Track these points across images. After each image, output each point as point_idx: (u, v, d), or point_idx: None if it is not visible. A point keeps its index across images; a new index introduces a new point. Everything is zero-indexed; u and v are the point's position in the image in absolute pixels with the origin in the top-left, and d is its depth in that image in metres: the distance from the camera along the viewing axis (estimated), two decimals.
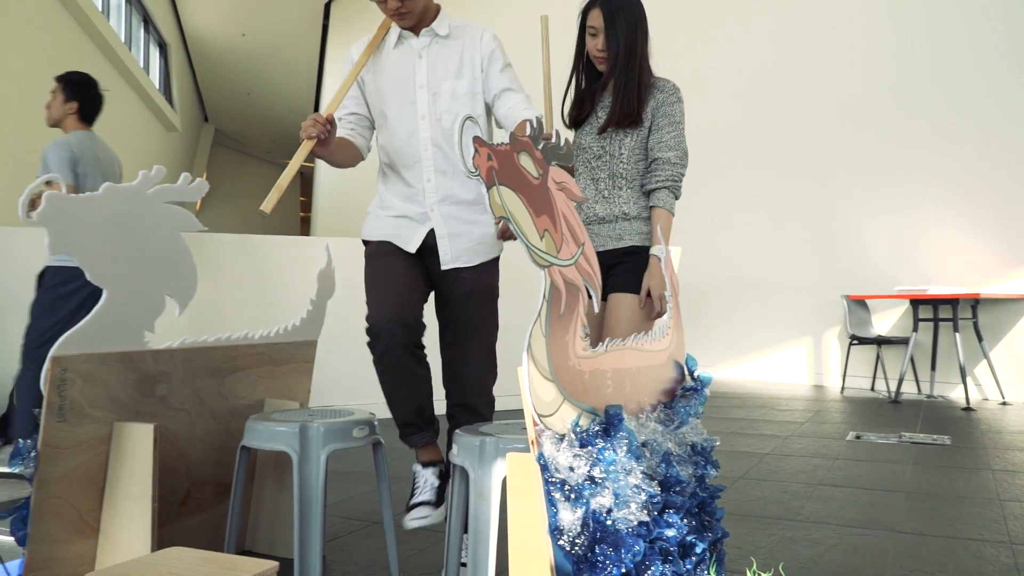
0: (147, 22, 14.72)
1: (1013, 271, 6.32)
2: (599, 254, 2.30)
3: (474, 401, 2.26)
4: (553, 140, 1.37)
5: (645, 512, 1.20)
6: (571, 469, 1.18)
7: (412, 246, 2.25)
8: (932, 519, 2.77)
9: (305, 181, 24.91)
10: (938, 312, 6.23)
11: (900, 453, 4.02)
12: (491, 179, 1.22)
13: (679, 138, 2.26)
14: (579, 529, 1.15)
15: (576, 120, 2.42)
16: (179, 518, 2.15)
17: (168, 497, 2.07)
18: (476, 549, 1.61)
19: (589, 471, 1.19)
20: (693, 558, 1.31)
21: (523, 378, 1.18)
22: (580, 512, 1.16)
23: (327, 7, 15.47)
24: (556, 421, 1.21)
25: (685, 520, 1.30)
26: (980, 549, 2.43)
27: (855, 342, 6.68)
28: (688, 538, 1.30)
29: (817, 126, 7.57)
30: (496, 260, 2.36)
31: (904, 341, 6.36)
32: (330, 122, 2.08)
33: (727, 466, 3.68)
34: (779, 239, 7.79)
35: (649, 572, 1.18)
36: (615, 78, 2.26)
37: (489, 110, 2.33)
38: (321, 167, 15.54)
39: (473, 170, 1.21)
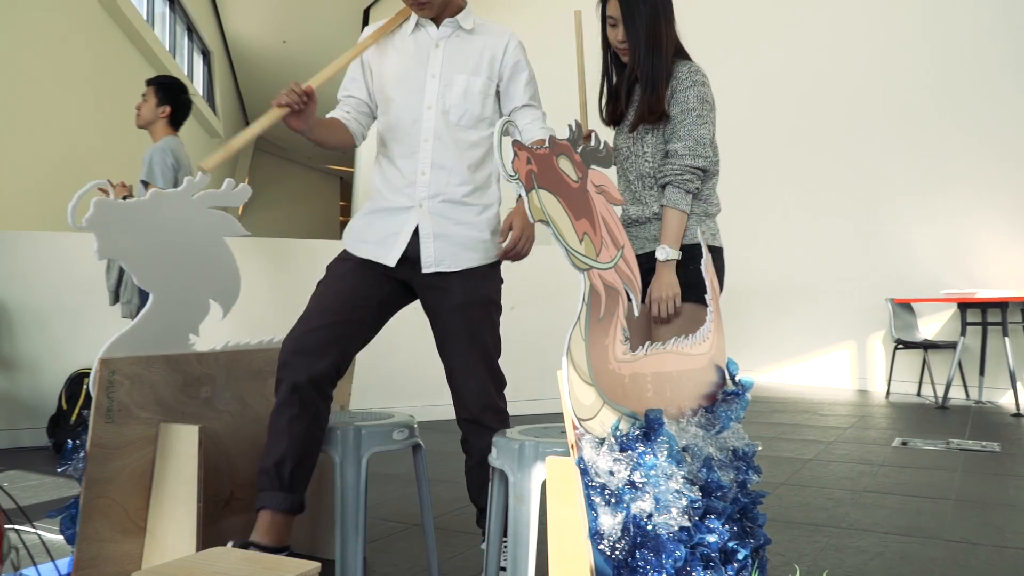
0: (191, 30, 14.99)
1: None
2: (638, 257, 2.23)
3: (479, 416, 2.11)
4: (592, 143, 1.37)
5: (686, 517, 1.19)
6: (611, 473, 1.18)
7: (393, 256, 2.10)
8: (981, 528, 2.71)
9: (344, 185, 25.19)
10: (987, 316, 6.09)
11: (948, 460, 3.93)
12: (530, 182, 1.22)
13: (691, 126, 2.09)
14: (619, 534, 1.14)
15: (612, 118, 2.32)
16: (222, 519, 2.18)
17: (212, 498, 2.10)
18: (516, 553, 1.61)
19: (629, 475, 1.18)
20: (735, 564, 1.29)
21: (562, 382, 1.18)
22: (620, 517, 1.15)
23: (366, 13, 15.62)
24: (596, 425, 1.21)
25: (727, 526, 1.28)
26: None
27: (900, 346, 6.55)
28: (730, 544, 1.29)
29: (862, 126, 7.46)
30: (493, 267, 2.18)
31: (951, 345, 6.23)
32: (308, 94, 1.97)
33: (769, 471, 3.63)
34: (822, 241, 7.68)
35: None
36: (640, 71, 2.13)
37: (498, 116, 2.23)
38: (361, 171, 15.69)
39: (512, 173, 1.21)
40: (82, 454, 1.89)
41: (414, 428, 2.18)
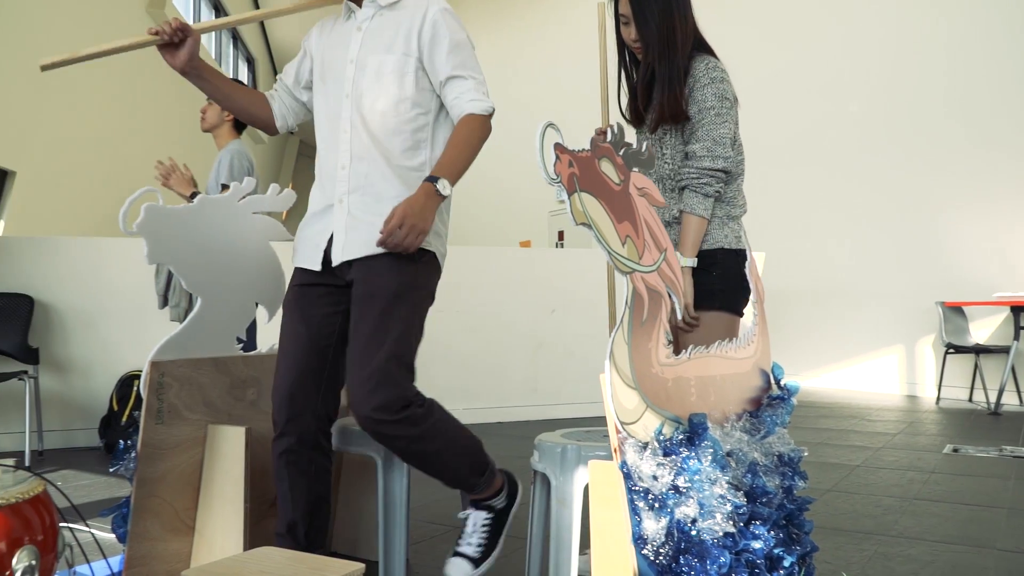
0: (236, 38, 15.27)
1: None
2: None
3: (362, 423, 1.85)
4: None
5: (731, 523, 1.18)
6: (654, 478, 1.17)
7: (316, 260, 1.97)
8: None
9: None
10: None
11: (1001, 467, 3.83)
12: (572, 186, 1.21)
13: (709, 126, 1.96)
14: (663, 539, 1.14)
15: (634, 117, 2.20)
16: (268, 519, 2.21)
17: (258, 498, 2.13)
18: (558, 556, 1.60)
19: (673, 480, 1.17)
20: (781, 572, 1.28)
21: (605, 385, 1.17)
22: (664, 522, 1.14)
23: None
24: (639, 429, 1.20)
25: (772, 532, 1.26)
26: None
27: (951, 351, 6.41)
28: (776, 551, 1.27)
29: (909, 123, 7.31)
30: (402, 258, 1.90)
31: (1004, 350, 6.07)
32: (182, 29, 1.91)
33: (816, 478, 3.57)
34: (869, 243, 7.54)
35: None
36: (657, 70, 2.01)
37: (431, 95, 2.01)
38: None
39: (554, 177, 1.21)
40: (133, 454, 1.93)
41: None
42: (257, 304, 2.24)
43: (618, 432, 1.18)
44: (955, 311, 6.65)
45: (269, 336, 2.36)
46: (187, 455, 1.98)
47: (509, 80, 10.23)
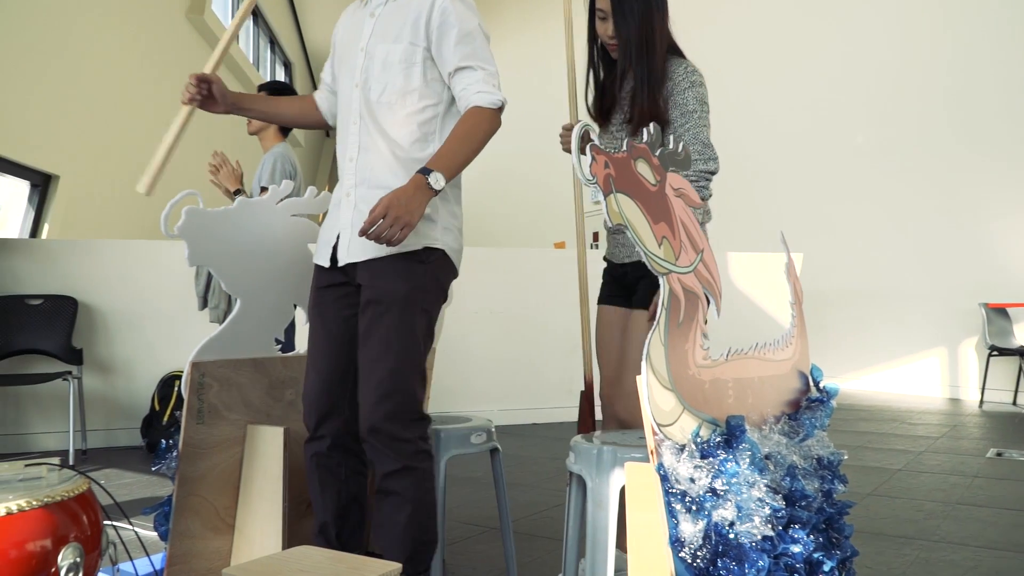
0: (273, 43, 15.46)
1: None
2: (626, 265, 2.11)
3: (367, 437, 1.81)
4: (671, 146, 1.36)
5: (769, 527, 1.17)
6: (692, 480, 1.16)
7: (326, 257, 1.93)
8: None
9: None
10: None
11: None
12: (608, 187, 1.21)
13: (696, 129, 1.94)
14: (701, 542, 1.13)
15: (600, 114, 2.16)
16: (306, 518, 2.23)
17: (297, 497, 2.15)
18: (594, 558, 1.60)
19: (710, 483, 1.16)
20: None
21: (642, 387, 1.17)
22: (701, 524, 1.13)
23: None
24: (676, 431, 1.20)
25: (812, 536, 1.25)
26: None
27: (995, 353, 6.28)
28: (815, 555, 1.26)
29: (951, 121, 7.18)
30: (407, 258, 1.82)
31: None
32: (204, 80, 1.91)
33: (856, 481, 3.52)
34: (910, 243, 7.42)
35: None
36: (634, 70, 1.98)
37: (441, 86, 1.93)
38: None
39: (590, 178, 1.21)
40: (175, 453, 1.96)
41: (492, 432, 2.19)
42: (295, 306, 2.26)
43: (655, 434, 1.17)
44: (999, 312, 6.52)
45: (307, 337, 2.38)
46: (227, 454, 2.01)
47: (545, 79, 10.22)
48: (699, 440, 1.21)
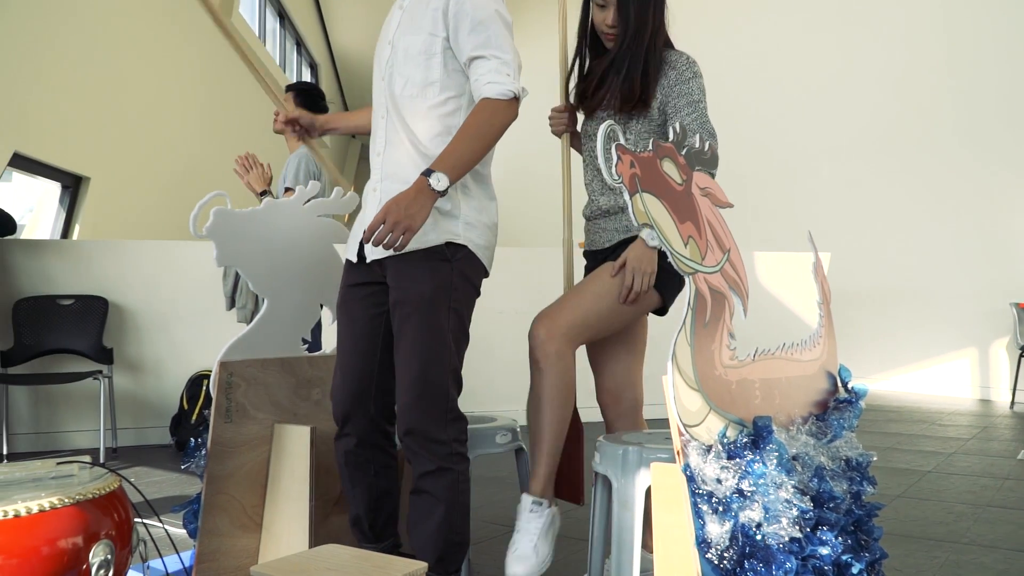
0: (299, 45, 15.57)
1: None
2: (606, 251, 2.08)
3: (403, 439, 1.82)
4: (697, 145, 1.35)
5: (797, 528, 1.16)
6: (718, 481, 1.16)
7: (354, 252, 1.91)
8: None
9: None
10: None
11: None
12: (634, 186, 1.21)
13: (701, 118, 1.95)
14: (727, 543, 1.12)
15: (583, 102, 2.15)
16: (332, 517, 2.25)
17: (323, 496, 2.17)
18: (620, 559, 1.60)
19: (737, 484, 1.16)
20: None
21: (668, 387, 1.16)
22: (728, 525, 1.13)
23: None
24: (702, 431, 1.19)
25: (840, 538, 1.24)
26: None
27: None
28: (844, 557, 1.25)
29: (981, 117, 7.07)
30: (440, 253, 1.80)
31: None
32: (292, 121, 2.17)
33: (884, 483, 3.48)
34: (940, 243, 7.32)
35: None
36: (630, 57, 1.98)
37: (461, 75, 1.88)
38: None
39: (616, 177, 1.21)
40: (203, 452, 1.98)
41: (517, 432, 2.19)
42: (322, 305, 2.28)
43: (681, 434, 1.17)
44: None
45: (334, 337, 2.39)
46: (254, 453, 2.03)
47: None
48: (726, 441, 1.21)
